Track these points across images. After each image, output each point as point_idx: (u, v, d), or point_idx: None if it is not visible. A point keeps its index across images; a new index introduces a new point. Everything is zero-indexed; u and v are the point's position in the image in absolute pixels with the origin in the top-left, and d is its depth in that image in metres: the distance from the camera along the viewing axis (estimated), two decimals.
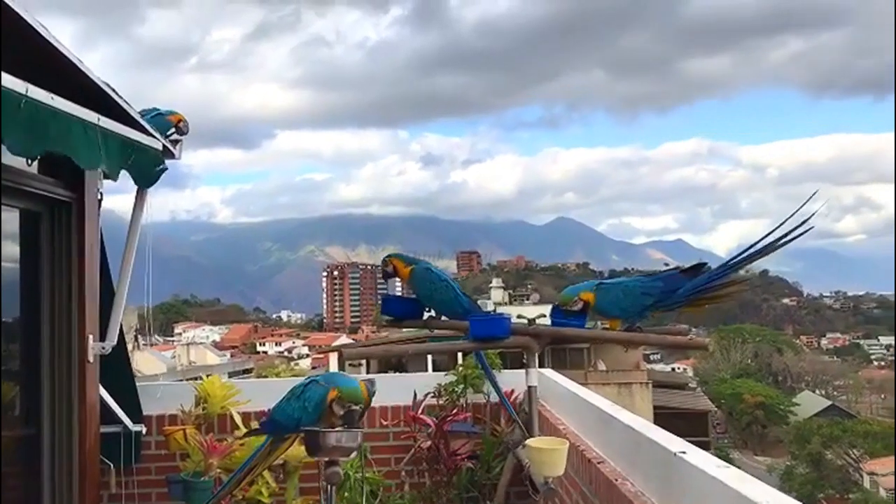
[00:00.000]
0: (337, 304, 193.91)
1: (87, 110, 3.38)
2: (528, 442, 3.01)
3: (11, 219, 4.14)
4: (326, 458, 3.16)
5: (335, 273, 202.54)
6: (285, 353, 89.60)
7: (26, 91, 2.93)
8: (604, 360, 32.83)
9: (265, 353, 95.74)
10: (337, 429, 3.20)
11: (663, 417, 29.70)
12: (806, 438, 42.00)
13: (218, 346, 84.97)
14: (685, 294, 3.24)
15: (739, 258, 3.21)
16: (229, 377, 5.49)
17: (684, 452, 2.20)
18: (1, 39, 3.00)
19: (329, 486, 3.20)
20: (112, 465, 4.88)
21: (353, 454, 3.48)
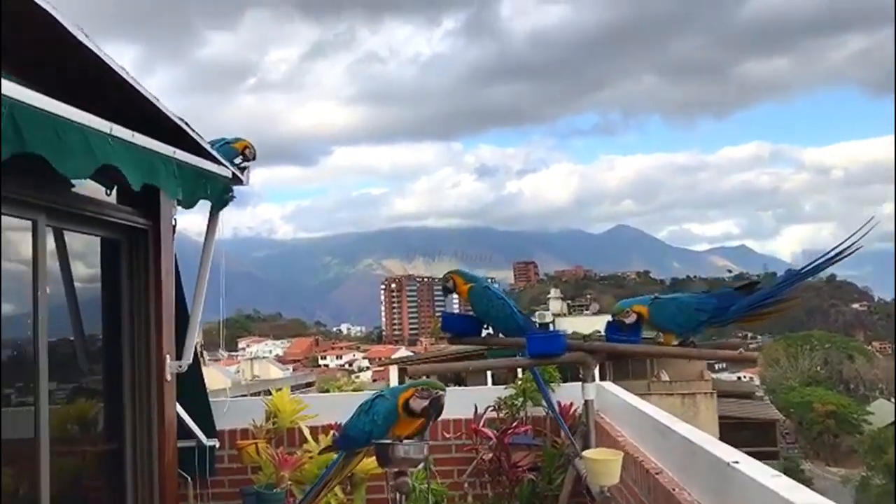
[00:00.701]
0: (395, 316, 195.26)
1: (164, 145, 3.61)
2: (585, 453, 3.12)
3: (94, 247, 4.42)
4: (395, 469, 3.31)
5: (393, 286, 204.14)
6: (346, 366, 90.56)
7: (110, 130, 3.17)
8: (667, 370, 32.32)
9: (326, 366, 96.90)
10: (405, 441, 3.35)
11: (729, 428, 29.12)
12: (882, 448, 40.51)
13: (281, 360, 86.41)
14: (738, 311, 3.30)
15: (792, 278, 3.27)
16: (292, 391, 5.70)
17: (737, 462, 2.28)
18: (91, 85, 3.26)
19: (399, 496, 3.34)
20: (189, 478, 5.11)
21: (420, 465, 3.62)
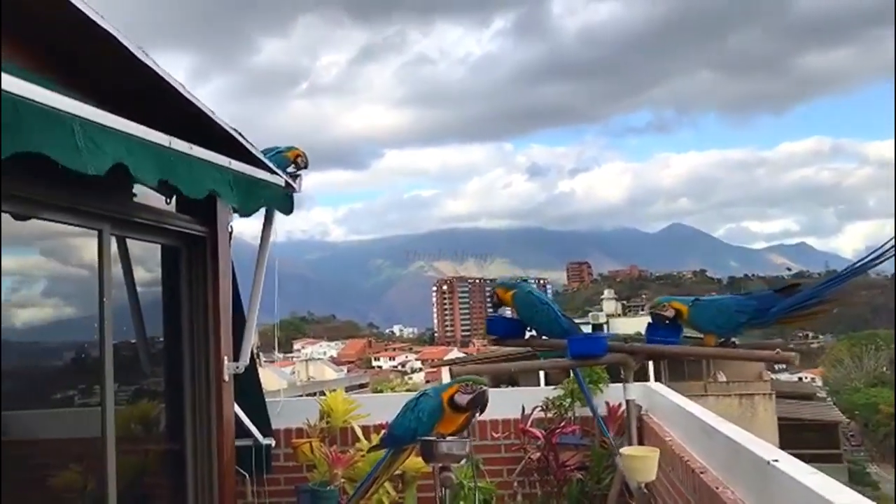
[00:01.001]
0: (447, 317, 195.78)
1: (220, 156, 3.77)
2: (622, 450, 3.18)
3: (155, 254, 4.62)
4: (440, 465, 3.42)
5: (444, 287, 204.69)
6: (399, 368, 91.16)
7: (169, 143, 3.33)
8: (724, 371, 31.77)
9: (380, 367, 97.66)
10: (448, 438, 3.46)
11: (790, 429, 28.46)
12: None
13: (335, 362, 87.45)
14: (779, 312, 3.32)
15: (833, 280, 3.28)
16: (346, 392, 5.85)
17: (777, 461, 2.31)
18: (146, 97, 3.44)
19: (444, 490, 3.45)
20: (247, 476, 5.28)
21: (463, 461, 3.72)
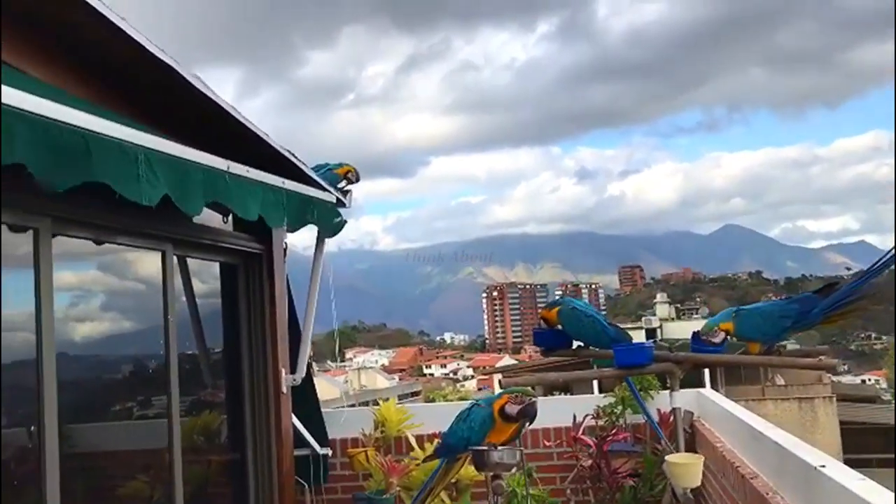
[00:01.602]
0: (498, 324, 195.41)
1: (273, 176, 3.93)
2: (668, 458, 3.23)
3: (214, 271, 4.81)
4: (492, 473, 3.52)
5: (494, 294, 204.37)
6: (451, 375, 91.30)
7: (227, 168, 3.49)
8: (782, 374, 31.11)
9: (431, 375, 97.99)
10: (499, 447, 3.56)
11: (853, 433, 27.65)
12: None
13: (386, 370, 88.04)
14: (821, 312, 3.35)
15: (865, 275, 3.29)
16: (399, 400, 5.97)
17: (824, 466, 2.34)
18: (205, 124, 3.61)
19: (495, 497, 3.55)
20: (305, 485, 5.43)
21: (515, 469, 3.81)
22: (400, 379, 77.79)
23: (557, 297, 5.09)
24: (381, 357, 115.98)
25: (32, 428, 3.07)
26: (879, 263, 3.25)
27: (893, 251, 3.20)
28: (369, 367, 76.44)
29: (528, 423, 3.73)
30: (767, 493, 2.89)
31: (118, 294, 4.25)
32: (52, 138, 2.36)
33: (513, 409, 3.63)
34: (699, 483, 3.03)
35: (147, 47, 3.34)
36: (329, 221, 4.59)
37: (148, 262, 4.03)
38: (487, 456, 3.50)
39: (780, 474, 2.89)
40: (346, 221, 4.70)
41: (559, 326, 4.34)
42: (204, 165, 3.26)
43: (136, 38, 3.32)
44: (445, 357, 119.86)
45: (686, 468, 2.99)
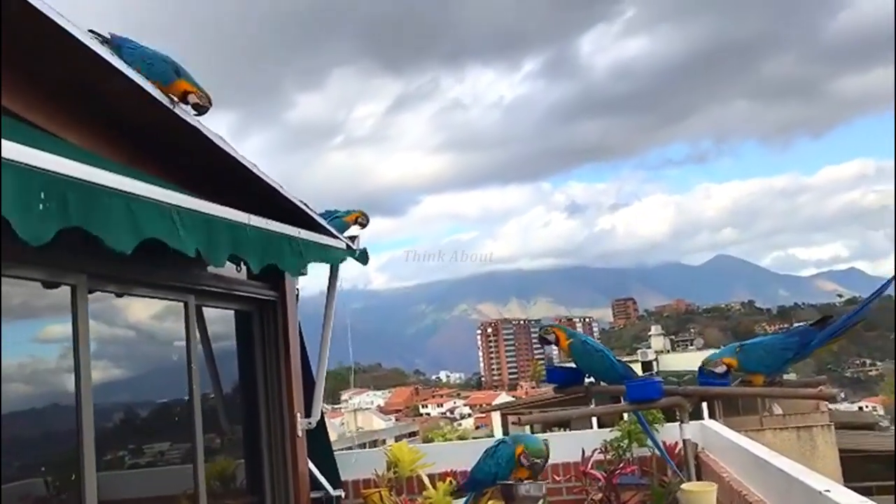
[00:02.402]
0: (493, 361, 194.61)
1: (291, 227, 4.11)
2: (683, 486, 3.37)
3: (229, 319, 4.96)
4: None
5: (489, 330, 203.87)
6: (448, 414, 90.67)
7: (248, 220, 3.67)
8: (779, 403, 31.17)
9: (428, 414, 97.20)
10: (526, 481, 3.77)
11: (853, 461, 27.62)
12: None
13: (382, 411, 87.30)
14: (818, 343, 3.56)
15: (858, 309, 3.50)
16: (395, 441, 6.10)
17: (829, 491, 2.50)
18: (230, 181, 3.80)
19: None
20: None
21: (540, 502, 3.99)
22: (396, 419, 77.19)
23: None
24: (376, 397, 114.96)
25: (73, 476, 3.20)
26: (872, 296, 3.46)
27: (890, 281, 3.40)
28: (365, 409, 75.83)
29: (535, 477, 4.04)
30: None
31: (134, 343, 4.38)
32: (100, 204, 2.52)
33: (526, 461, 4.00)
34: None
35: (181, 115, 3.56)
36: (340, 261, 4.77)
37: (164, 311, 4.18)
38: (515, 489, 3.76)
39: (786, 500, 3.04)
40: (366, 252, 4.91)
41: (555, 350, 4.53)
42: (228, 220, 3.44)
43: (163, 101, 3.54)
44: (441, 396, 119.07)
45: (700, 496, 3.15)
